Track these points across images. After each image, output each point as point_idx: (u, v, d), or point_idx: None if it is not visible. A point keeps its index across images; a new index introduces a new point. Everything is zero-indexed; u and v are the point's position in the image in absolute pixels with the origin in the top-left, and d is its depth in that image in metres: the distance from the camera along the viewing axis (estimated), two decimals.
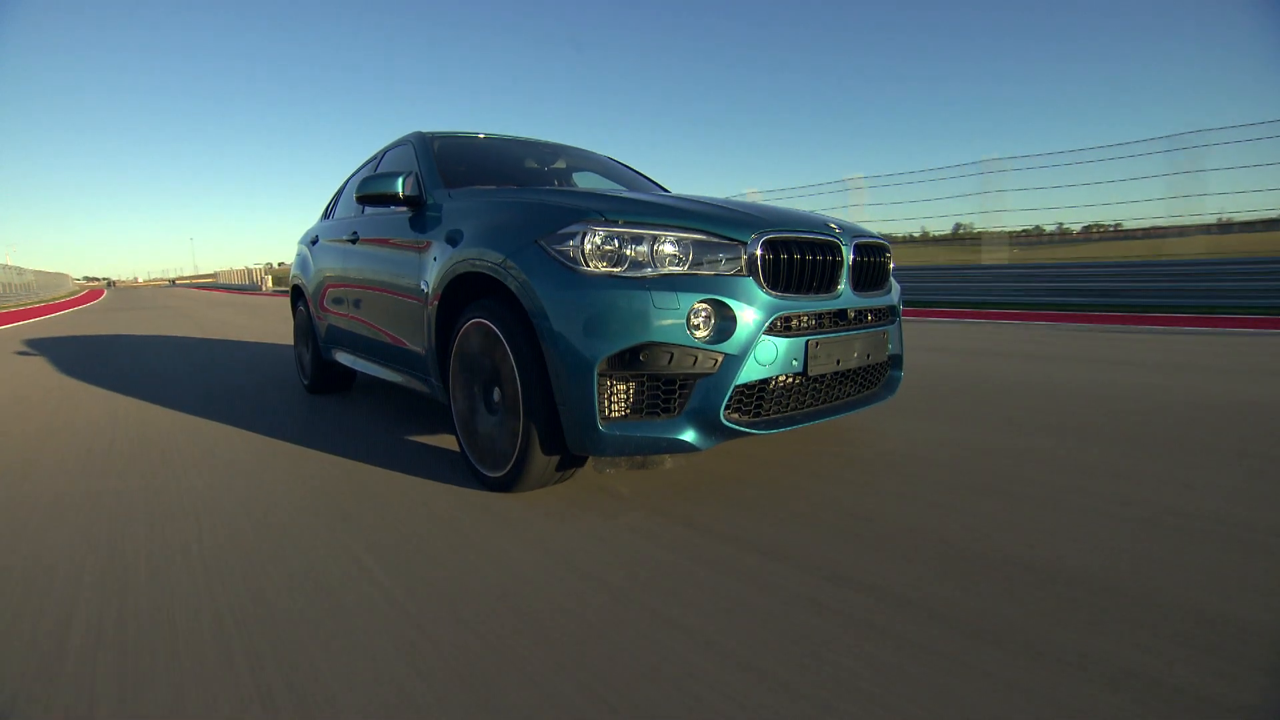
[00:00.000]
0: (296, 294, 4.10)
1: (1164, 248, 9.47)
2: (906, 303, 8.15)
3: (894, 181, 11.36)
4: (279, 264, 35.75)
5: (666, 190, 3.22)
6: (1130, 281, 8.61)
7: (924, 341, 5.29)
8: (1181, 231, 9.19)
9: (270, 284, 36.41)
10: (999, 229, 10.72)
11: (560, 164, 3.17)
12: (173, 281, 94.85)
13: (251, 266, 41.36)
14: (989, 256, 10.76)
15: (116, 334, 8.24)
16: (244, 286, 38.19)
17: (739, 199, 2.53)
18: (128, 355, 5.90)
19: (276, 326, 8.73)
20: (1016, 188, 10.23)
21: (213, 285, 49.43)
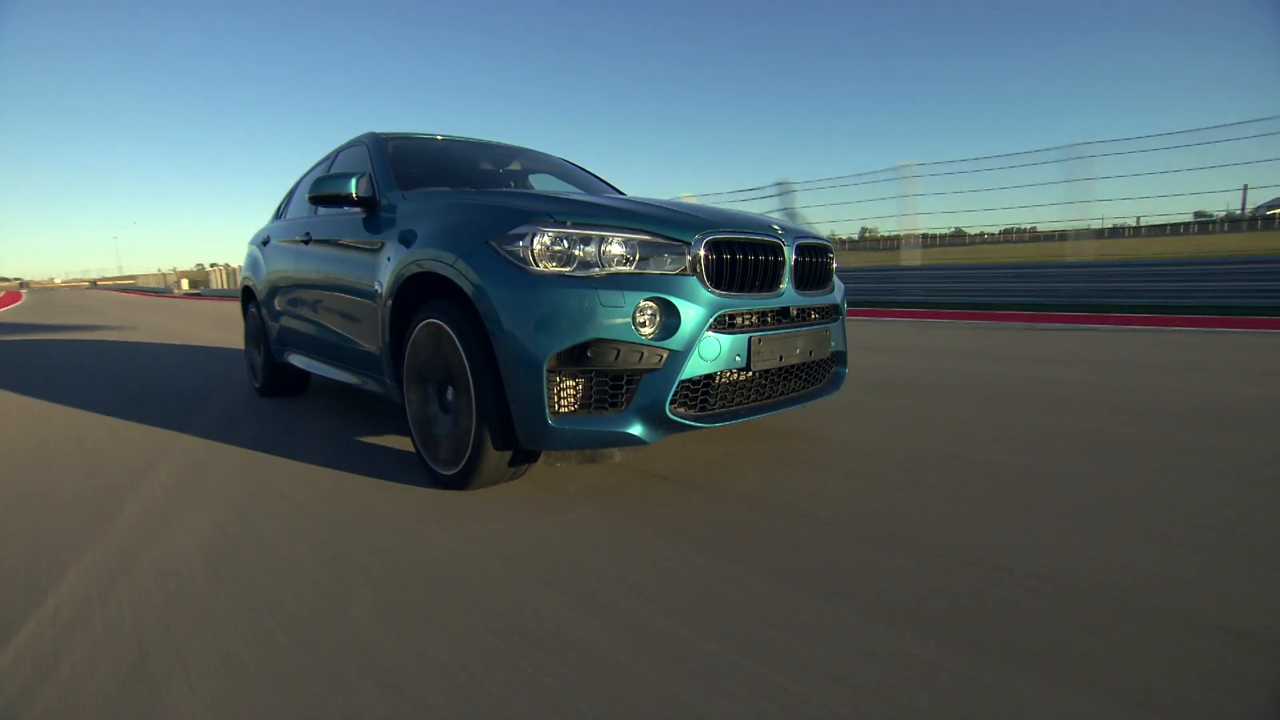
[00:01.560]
0: (247, 295, 4.12)
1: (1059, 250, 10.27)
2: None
3: (825, 185, 11.96)
4: (211, 265, 36.74)
5: (621, 193, 3.36)
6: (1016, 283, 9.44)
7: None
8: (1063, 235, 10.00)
9: (185, 286, 39.56)
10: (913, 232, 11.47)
11: (515, 166, 3.29)
12: (93, 283, 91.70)
13: (165, 270, 43.44)
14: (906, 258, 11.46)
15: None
16: (158, 289, 41.35)
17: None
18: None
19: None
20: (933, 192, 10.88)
21: (131, 288, 53.92)
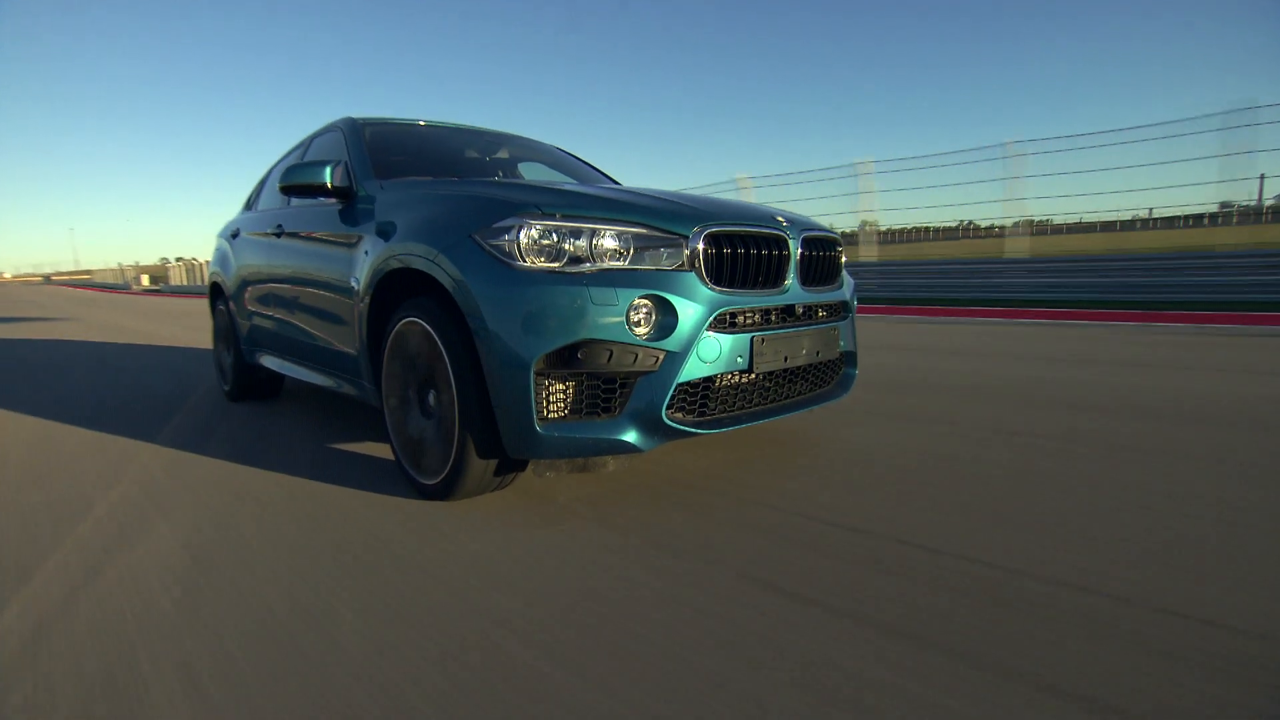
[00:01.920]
0: (216, 292, 4.06)
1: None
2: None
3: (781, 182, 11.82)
4: (176, 259, 36.16)
5: (617, 183, 3.31)
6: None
7: None
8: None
9: (146, 282, 39.04)
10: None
11: (503, 154, 3.24)
12: (47, 278, 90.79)
13: (126, 265, 43.08)
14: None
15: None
16: (116, 285, 40.82)
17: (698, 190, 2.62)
18: None
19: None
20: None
21: (87, 283, 53.42)
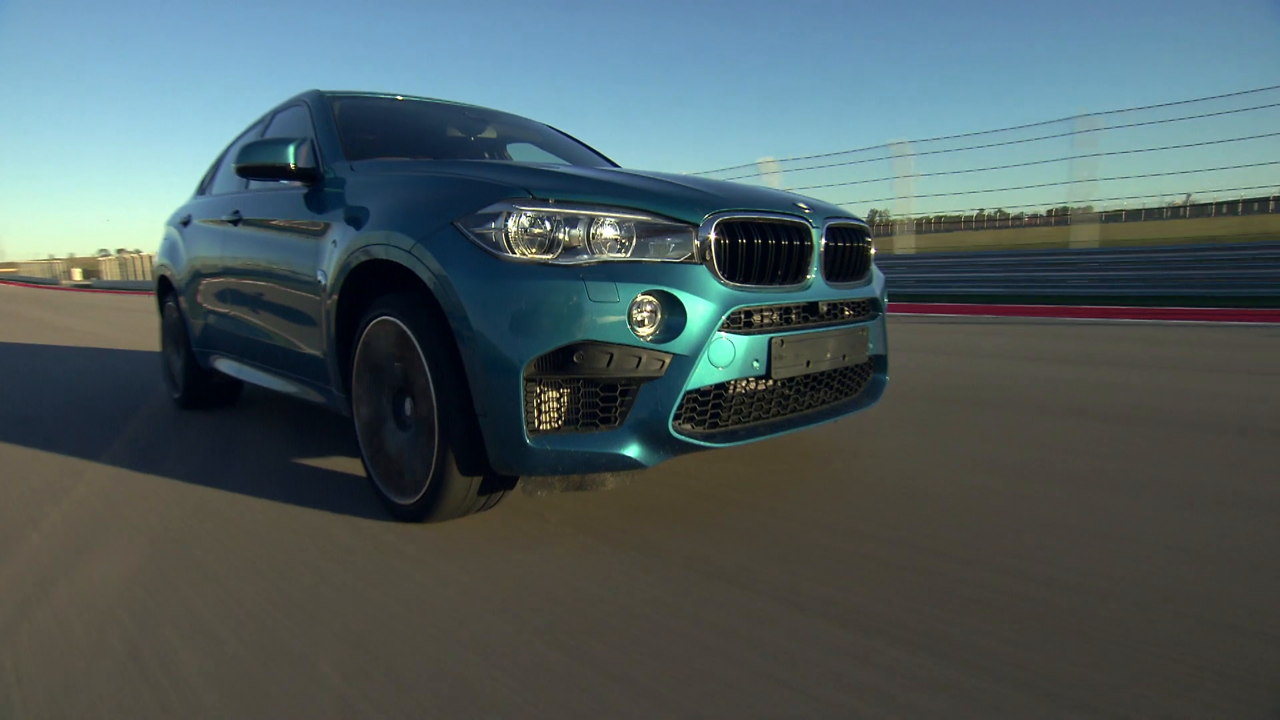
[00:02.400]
0: (164, 287, 4.00)
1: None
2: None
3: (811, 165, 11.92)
4: (117, 251, 36.13)
5: (616, 165, 3.26)
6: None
7: None
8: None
9: (78, 276, 39.57)
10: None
11: (490, 133, 3.20)
12: None
13: (58, 258, 43.73)
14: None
15: None
16: (43, 280, 41.24)
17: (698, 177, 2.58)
18: None
19: None
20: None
21: (11, 278, 53.13)
